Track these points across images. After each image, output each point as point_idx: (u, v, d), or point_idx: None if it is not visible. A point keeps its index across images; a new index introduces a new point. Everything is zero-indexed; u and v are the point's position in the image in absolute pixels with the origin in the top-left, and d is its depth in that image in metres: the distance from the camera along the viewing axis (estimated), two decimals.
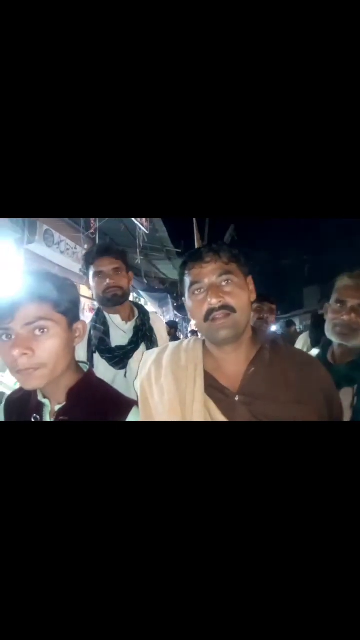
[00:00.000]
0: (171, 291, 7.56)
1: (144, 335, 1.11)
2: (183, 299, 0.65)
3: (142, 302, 5.62)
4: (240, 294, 0.59)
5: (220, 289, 0.58)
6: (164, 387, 0.60)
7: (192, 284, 0.60)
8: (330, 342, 0.93)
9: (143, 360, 0.67)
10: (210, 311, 0.58)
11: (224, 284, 0.59)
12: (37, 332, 0.53)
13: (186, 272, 0.62)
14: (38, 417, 0.59)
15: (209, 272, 0.59)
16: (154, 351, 0.68)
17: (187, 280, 0.61)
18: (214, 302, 0.57)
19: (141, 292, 6.16)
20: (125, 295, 1.11)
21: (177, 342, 0.68)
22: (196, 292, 0.60)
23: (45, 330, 0.53)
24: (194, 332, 6.79)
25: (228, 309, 0.57)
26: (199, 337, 0.69)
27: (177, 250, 6.74)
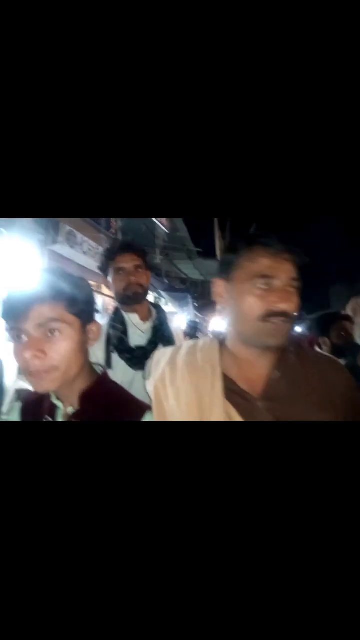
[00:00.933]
0: (192, 291, 7.54)
1: (162, 335, 1.09)
2: (222, 278, 0.57)
3: (162, 302, 5.64)
4: (298, 302, 0.54)
5: (289, 294, 0.52)
6: (181, 390, 0.57)
7: (259, 274, 0.52)
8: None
9: (155, 360, 0.63)
10: (272, 313, 0.52)
11: (291, 289, 0.53)
12: (50, 334, 0.52)
13: (249, 255, 0.54)
14: (50, 419, 0.58)
15: (284, 271, 0.52)
16: (167, 351, 0.64)
17: (250, 266, 0.53)
18: (284, 307, 0.51)
19: (162, 292, 6.19)
20: (145, 293, 1.10)
21: (191, 342, 0.65)
22: (260, 285, 0.52)
23: (58, 332, 0.52)
24: (215, 334, 6.72)
25: (290, 317, 0.52)
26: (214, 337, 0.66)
27: (198, 249, 6.72)
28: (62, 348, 0.52)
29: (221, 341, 0.63)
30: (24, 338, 0.51)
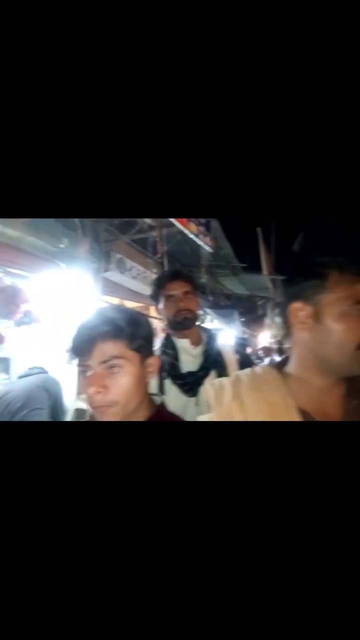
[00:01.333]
0: (237, 306, 7.44)
1: (214, 360, 1.09)
2: (303, 302, 0.54)
3: (208, 319, 5.65)
4: None
5: None
6: None
7: (356, 300, 0.51)
8: None
9: (214, 395, 0.61)
10: None
11: None
12: (111, 370, 0.55)
13: (340, 280, 0.52)
14: None
15: None
16: (225, 384, 0.61)
17: (345, 291, 0.52)
18: None
19: (207, 310, 6.20)
20: (195, 318, 1.12)
21: (249, 373, 0.62)
22: (356, 311, 0.51)
23: (119, 368, 0.55)
24: (265, 350, 6.48)
25: None
26: (266, 363, 0.63)
27: (243, 265, 6.67)
28: (122, 383, 0.55)
29: (277, 368, 0.60)
30: (89, 373, 0.55)
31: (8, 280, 1.82)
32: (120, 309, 0.63)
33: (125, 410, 0.56)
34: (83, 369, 0.56)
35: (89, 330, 0.56)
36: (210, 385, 0.62)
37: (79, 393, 0.59)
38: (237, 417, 0.55)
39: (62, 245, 2.73)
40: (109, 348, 0.55)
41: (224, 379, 0.62)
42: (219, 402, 0.58)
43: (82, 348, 0.56)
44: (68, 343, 0.59)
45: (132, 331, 0.57)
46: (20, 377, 1.84)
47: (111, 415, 0.55)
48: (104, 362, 0.55)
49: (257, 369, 0.63)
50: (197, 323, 1.16)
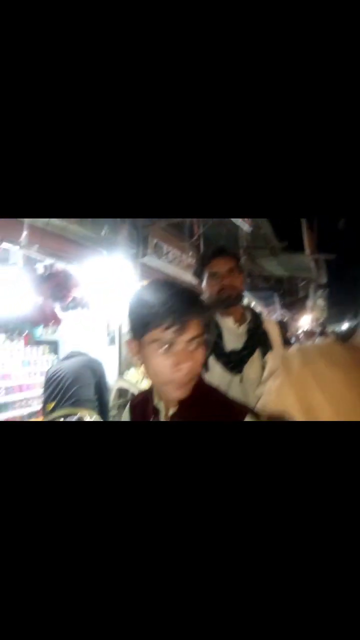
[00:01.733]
0: (278, 288, 7.16)
1: (258, 339, 1.08)
2: None
3: (245, 302, 5.52)
4: None
5: None
6: (336, 394, 0.51)
7: None
8: None
9: (281, 365, 0.58)
10: None
11: None
12: (191, 346, 0.55)
13: None
14: (156, 420, 0.63)
15: None
16: (291, 354, 0.59)
17: None
18: None
19: (245, 292, 6.05)
20: (239, 296, 1.11)
21: (311, 345, 0.61)
22: None
23: (199, 344, 0.56)
24: (307, 333, 6.22)
25: None
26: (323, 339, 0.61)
27: (283, 244, 6.35)
28: (200, 358, 0.57)
29: (341, 341, 0.58)
30: (171, 349, 0.55)
31: (60, 266, 1.94)
32: (191, 289, 0.62)
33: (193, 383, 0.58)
34: (163, 343, 0.55)
35: (182, 308, 0.55)
36: (272, 357, 0.61)
37: (159, 372, 0.58)
38: (311, 383, 0.53)
39: (103, 233, 2.81)
40: (196, 326, 0.55)
41: (286, 351, 0.61)
42: (287, 371, 0.56)
43: (174, 325, 0.54)
44: (145, 320, 0.56)
45: (203, 308, 0.58)
46: (64, 359, 1.99)
47: (185, 389, 0.56)
48: (192, 339, 0.55)
49: (319, 341, 0.62)
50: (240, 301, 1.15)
